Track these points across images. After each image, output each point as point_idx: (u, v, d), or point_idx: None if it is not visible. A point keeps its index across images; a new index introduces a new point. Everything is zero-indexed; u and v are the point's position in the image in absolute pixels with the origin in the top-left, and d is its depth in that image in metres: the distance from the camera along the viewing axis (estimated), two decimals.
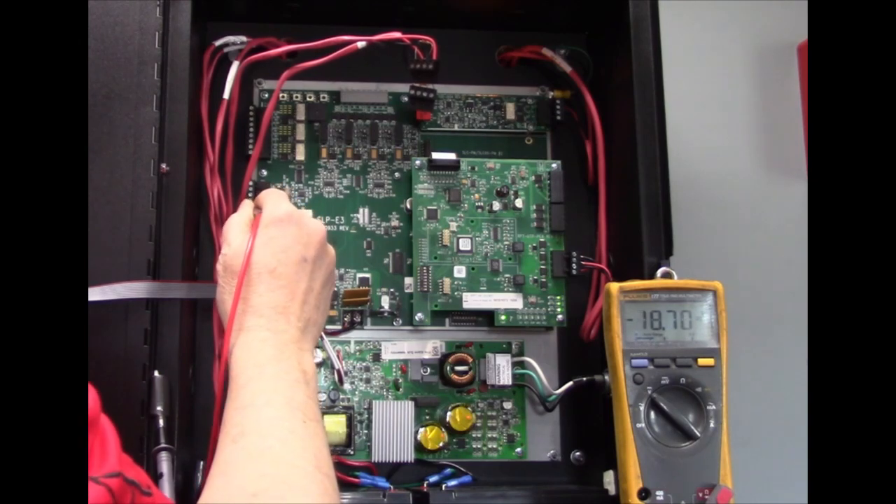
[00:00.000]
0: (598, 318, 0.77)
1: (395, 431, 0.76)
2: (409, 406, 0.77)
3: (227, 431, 0.54)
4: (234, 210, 0.78)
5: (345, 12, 0.81)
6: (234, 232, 0.64)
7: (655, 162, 0.75)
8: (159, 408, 0.65)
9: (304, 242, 0.62)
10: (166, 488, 0.63)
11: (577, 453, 0.80)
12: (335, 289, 0.68)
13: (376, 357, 0.80)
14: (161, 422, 0.65)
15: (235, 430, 0.54)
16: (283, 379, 0.56)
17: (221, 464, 0.52)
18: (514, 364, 0.78)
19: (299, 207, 0.80)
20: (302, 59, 0.76)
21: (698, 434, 0.67)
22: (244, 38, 0.80)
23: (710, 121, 0.99)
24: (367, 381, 0.79)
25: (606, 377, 0.72)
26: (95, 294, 0.65)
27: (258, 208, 0.66)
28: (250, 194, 0.79)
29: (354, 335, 0.80)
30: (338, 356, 0.78)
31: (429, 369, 0.79)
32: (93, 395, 0.47)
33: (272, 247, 0.61)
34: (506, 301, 0.79)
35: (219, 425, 0.56)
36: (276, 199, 0.65)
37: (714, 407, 0.68)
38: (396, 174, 0.83)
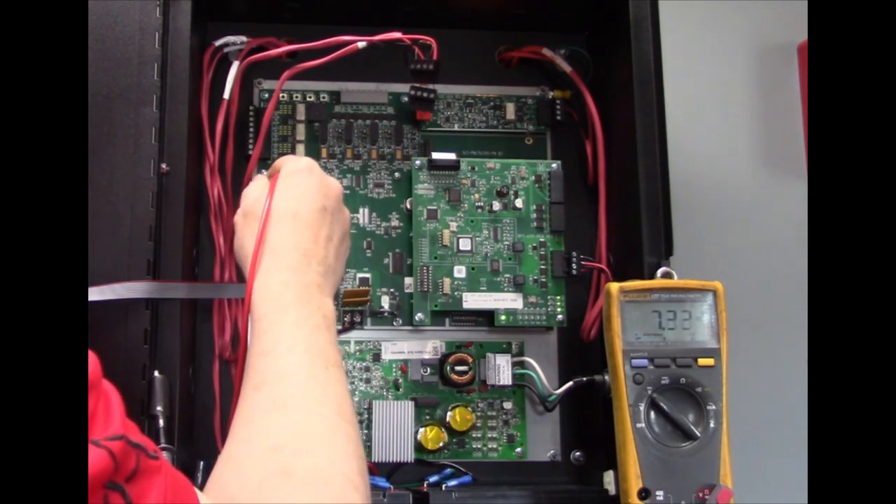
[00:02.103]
0: (598, 318, 0.77)
1: (395, 431, 0.76)
2: (409, 406, 0.77)
3: (249, 378, 0.54)
4: (235, 210, 0.78)
5: (345, 12, 0.81)
6: (253, 187, 0.64)
7: (655, 162, 0.75)
8: (159, 408, 0.65)
9: (325, 193, 0.62)
10: None
11: (577, 453, 0.80)
12: (348, 245, 0.68)
13: (376, 357, 0.80)
14: (161, 422, 0.65)
15: (258, 378, 0.54)
16: (305, 324, 0.56)
17: (245, 412, 0.52)
18: (514, 364, 0.78)
19: None
20: (302, 59, 0.76)
21: (698, 434, 0.68)
22: (244, 38, 0.80)
23: (710, 121, 0.99)
24: (367, 381, 0.79)
25: (606, 377, 0.72)
26: (95, 294, 0.65)
27: (276, 171, 0.66)
28: None
29: (354, 335, 0.80)
30: None
31: (429, 369, 0.79)
32: (93, 360, 0.46)
33: (294, 192, 0.61)
34: (506, 301, 0.79)
35: (243, 370, 0.56)
36: (294, 157, 0.65)
37: (714, 407, 0.68)
38: (396, 174, 0.83)
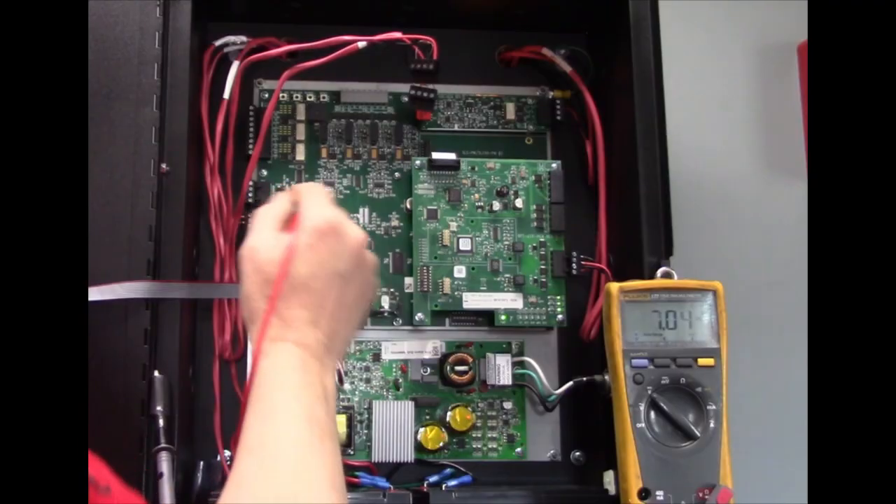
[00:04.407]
0: (598, 318, 0.77)
1: (395, 431, 0.76)
2: (409, 406, 0.77)
3: (244, 441, 0.54)
4: (236, 209, 0.78)
5: (345, 12, 0.81)
6: (267, 228, 0.62)
7: (655, 162, 0.75)
8: (159, 408, 0.65)
9: (341, 255, 0.60)
10: (166, 488, 0.63)
11: (577, 453, 0.80)
12: (373, 299, 0.65)
13: (376, 357, 0.80)
14: (161, 422, 0.65)
15: (253, 441, 0.54)
16: (305, 393, 0.56)
17: (237, 475, 0.52)
18: (514, 364, 0.78)
19: None
20: (302, 59, 0.76)
21: (698, 434, 0.68)
22: (244, 38, 0.80)
23: (710, 121, 0.99)
24: (367, 380, 0.79)
25: (606, 377, 0.72)
26: (95, 294, 0.65)
27: (295, 204, 0.63)
28: (250, 195, 0.79)
29: None
30: None
31: (429, 369, 0.79)
32: None
33: (308, 258, 0.59)
34: (506, 301, 0.79)
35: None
36: (316, 202, 0.62)
37: (714, 407, 0.68)
38: (396, 174, 0.83)
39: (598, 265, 0.80)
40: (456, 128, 0.85)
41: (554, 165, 0.82)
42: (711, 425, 0.68)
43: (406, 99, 0.82)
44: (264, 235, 0.61)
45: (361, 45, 0.75)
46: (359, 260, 0.61)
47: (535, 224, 0.81)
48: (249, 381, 0.57)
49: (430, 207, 0.80)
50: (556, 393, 0.78)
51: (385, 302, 0.80)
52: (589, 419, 0.79)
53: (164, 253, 0.69)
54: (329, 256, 0.59)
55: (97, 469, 0.48)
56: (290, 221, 0.61)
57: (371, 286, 0.64)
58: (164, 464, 0.64)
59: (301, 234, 0.59)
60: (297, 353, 0.57)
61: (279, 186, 0.81)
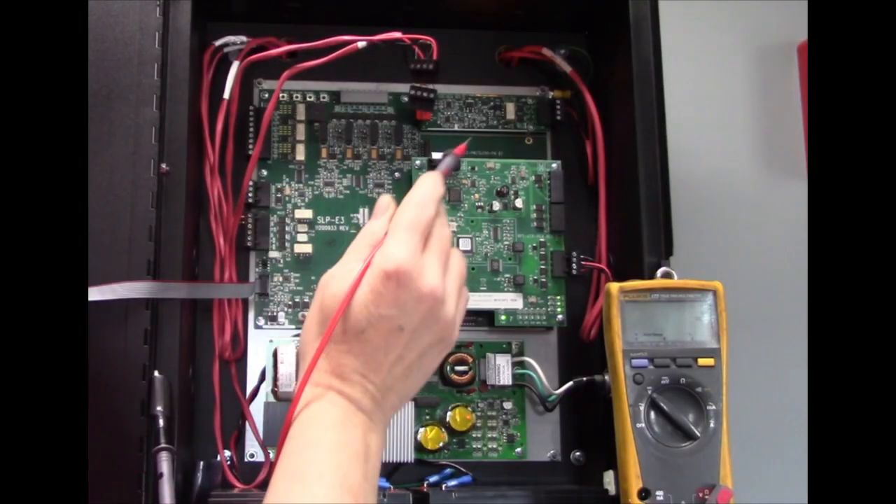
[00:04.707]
0: (598, 318, 0.77)
1: (395, 431, 0.76)
2: (409, 406, 0.77)
3: (269, 498, 0.50)
4: (236, 209, 0.78)
5: (345, 12, 0.81)
6: (355, 253, 0.56)
7: (655, 162, 0.75)
8: (159, 408, 0.65)
9: (407, 307, 0.53)
10: (166, 488, 0.63)
11: (577, 453, 0.80)
12: (446, 352, 0.59)
13: None
14: (161, 422, 0.65)
15: (277, 502, 0.50)
16: (342, 453, 0.51)
17: None
18: (514, 364, 0.78)
19: (299, 207, 0.81)
20: (302, 59, 0.76)
21: (698, 434, 0.67)
22: (244, 38, 0.80)
23: (710, 121, 0.99)
24: None
25: (606, 377, 0.72)
26: (95, 294, 0.65)
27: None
28: (250, 195, 0.79)
29: None
30: None
31: None
32: None
33: (368, 304, 0.53)
34: (506, 301, 0.79)
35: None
36: (399, 235, 0.55)
37: (714, 407, 0.68)
38: (396, 174, 0.83)
39: (598, 265, 0.80)
40: (456, 128, 0.85)
41: (554, 165, 0.82)
42: (711, 425, 0.68)
43: (406, 99, 0.82)
44: (347, 264, 0.55)
45: (361, 45, 0.75)
46: (430, 314, 0.55)
47: (535, 224, 0.81)
48: (285, 428, 0.52)
49: None
50: (556, 393, 0.78)
51: None
52: (589, 419, 0.79)
53: (164, 253, 0.69)
54: (392, 307, 0.53)
55: None
56: (368, 258, 0.55)
57: (445, 343, 0.58)
58: (164, 464, 0.64)
59: (368, 275, 0.53)
60: (341, 405, 0.53)
61: (279, 186, 0.81)
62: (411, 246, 0.54)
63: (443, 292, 0.55)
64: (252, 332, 0.79)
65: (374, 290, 0.53)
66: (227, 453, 0.75)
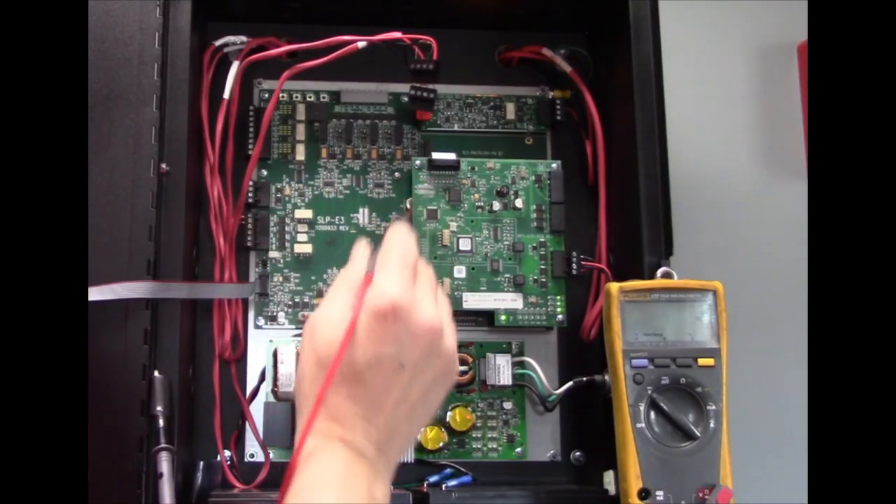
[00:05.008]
0: (598, 318, 0.77)
1: None
2: None
3: None
4: (236, 209, 0.78)
5: (345, 12, 0.81)
6: (339, 298, 0.54)
7: (655, 162, 0.75)
8: (159, 408, 0.65)
9: (405, 343, 0.52)
10: (166, 488, 0.63)
11: (577, 453, 0.80)
12: (448, 388, 0.57)
13: None
14: (161, 422, 0.65)
15: None
16: None
17: None
18: (514, 364, 0.78)
19: (299, 207, 0.81)
20: (302, 59, 0.76)
21: (698, 434, 0.68)
22: (244, 38, 0.80)
23: (710, 121, 0.99)
24: None
25: (606, 377, 0.72)
26: (95, 294, 0.65)
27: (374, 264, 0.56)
28: (250, 195, 0.79)
29: None
30: None
31: None
32: None
33: (365, 345, 0.51)
34: (506, 301, 0.79)
35: None
36: (387, 272, 0.53)
37: (714, 407, 0.68)
38: (396, 174, 0.83)
39: (598, 265, 0.80)
40: (456, 128, 0.85)
41: (554, 165, 0.82)
42: (711, 425, 0.68)
43: (406, 99, 0.82)
44: (333, 308, 0.53)
45: (361, 45, 0.75)
46: (430, 349, 0.53)
47: (535, 224, 0.81)
48: (287, 480, 0.51)
49: (430, 207, 0.80)
50: (556, 393, 0.78)
51: None
52: (589, 419, 0.79)
53: (164, 253, 0.69)
54: (389, 345, 0.52)
55: None
56: (357, 298, 0.53)
57: (447, 377, 0.56)
58: (164, 464, 0.64)
59: (362, 315, 0.52)
60: (343, 455, 0.51)
61: (279, 186, 0.81)
62: (404, 281, 0.53)
63: (440, 324, 0.53)
64: (252, 332, 0.79)
65: (370, 329, 0.52)
66: (227, 453, 0.75)
